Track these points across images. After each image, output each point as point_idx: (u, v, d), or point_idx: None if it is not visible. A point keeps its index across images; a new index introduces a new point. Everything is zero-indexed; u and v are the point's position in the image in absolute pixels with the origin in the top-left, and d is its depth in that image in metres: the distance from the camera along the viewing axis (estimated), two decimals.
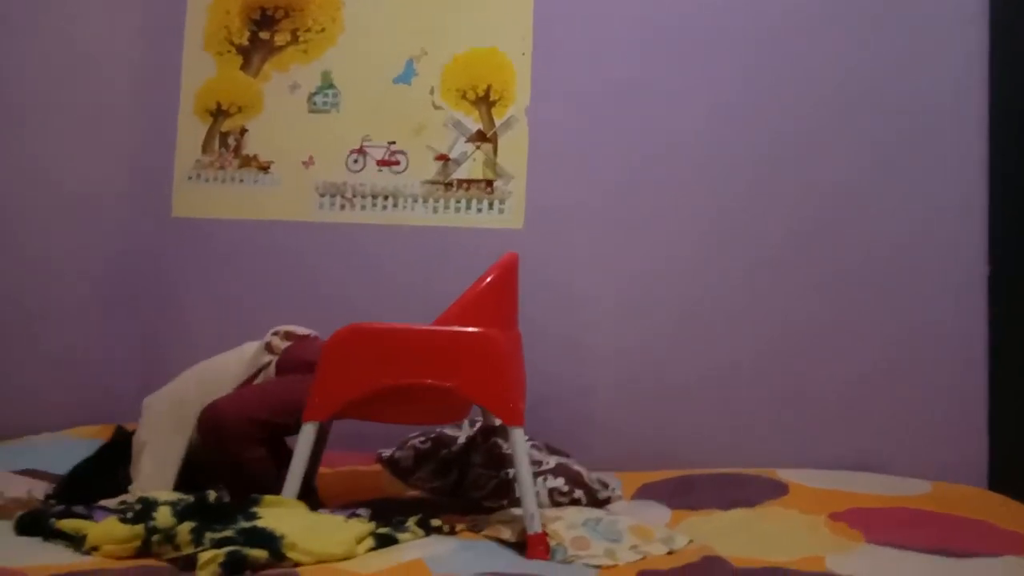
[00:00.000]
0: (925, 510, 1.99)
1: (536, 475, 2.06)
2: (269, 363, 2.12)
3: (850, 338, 2.62)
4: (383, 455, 2.41)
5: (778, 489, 2.16)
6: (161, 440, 1.98)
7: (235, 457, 1.93)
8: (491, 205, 2.84)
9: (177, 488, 1.94)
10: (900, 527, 1.83)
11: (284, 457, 1.94)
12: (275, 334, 2.16)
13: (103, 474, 1.98)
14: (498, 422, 2.19)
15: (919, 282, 2.60)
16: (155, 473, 1.95)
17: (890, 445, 2.54)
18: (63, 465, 2.04)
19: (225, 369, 2.10)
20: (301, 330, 2.20)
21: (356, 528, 1.72)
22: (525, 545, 1.73)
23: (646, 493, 2.24)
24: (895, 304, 2.61)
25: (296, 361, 2.08)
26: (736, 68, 2.74)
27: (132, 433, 2.05)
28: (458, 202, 2.86)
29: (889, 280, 2.62)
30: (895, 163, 2.64)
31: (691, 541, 1.80)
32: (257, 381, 2.10)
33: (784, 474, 2.30)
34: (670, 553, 1.74)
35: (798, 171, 2.69)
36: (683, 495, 2.17)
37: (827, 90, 2.69)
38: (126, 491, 1.92)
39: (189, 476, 1.99)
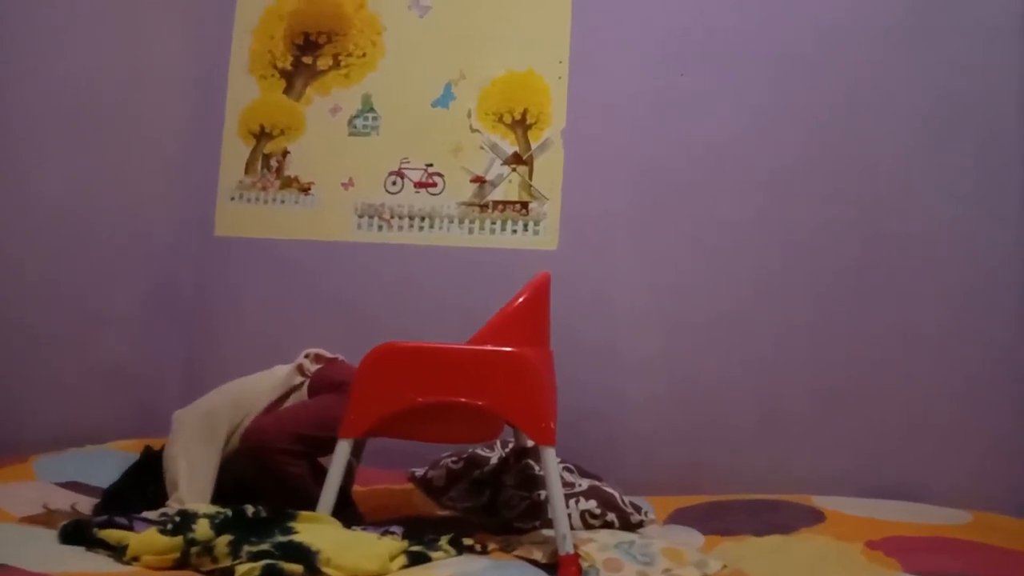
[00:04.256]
0: (965, 540, 1.94)
1: (568, 497, 2.06)
2: (300, 384, 2.18)
3: (892, 366, 2.58)
4: (415, 474, 2.42)
5: (814, 516, 2.13)
6: (195, 452, 2.03)
7: (279, 472, 1.98)
8: (526, 226, 2.87)
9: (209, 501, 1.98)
10: (939, 556, 1.79)
11: (321, 476, 1.97)
12: (306, 356, 2.23)
13: (135, 492, 2.01)
14: (530, 442, 2.20)
15: (963, 313, 2.55)
16: (193, 484, 1.98)
17: (930, 474, 2.49)
18: (106, 478, 2.09)
19: (256, 388, 2.17)
20: (328, 353, 2.27)
21: (389, 545, 1.73)
22: (557, 566, 1.73)
23: (679, 518, 2.22)
24: (939, 335, 2.56)
25: (327, 382, 2.15)
26: (768, 80, 2.74)
27: (159, 451, 2.09)
28: (493, 223, 2.89)
29: (932, 312, 2.57)
30: (945, 175, 2.60)
31: (725, 566, 1.79)
32: (288, 402, 2.16)
33: (820, 501, 2.27)
34: None
35: (839, 180, 2.67)
36: (716, 520, 2.15)
37: (867, 97, 2.67)
38: (156, 507, 1.96)
39: (220, 490, 2.03)
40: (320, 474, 1.98)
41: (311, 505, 1.86)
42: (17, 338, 2.37)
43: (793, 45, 2.74)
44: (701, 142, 2.77)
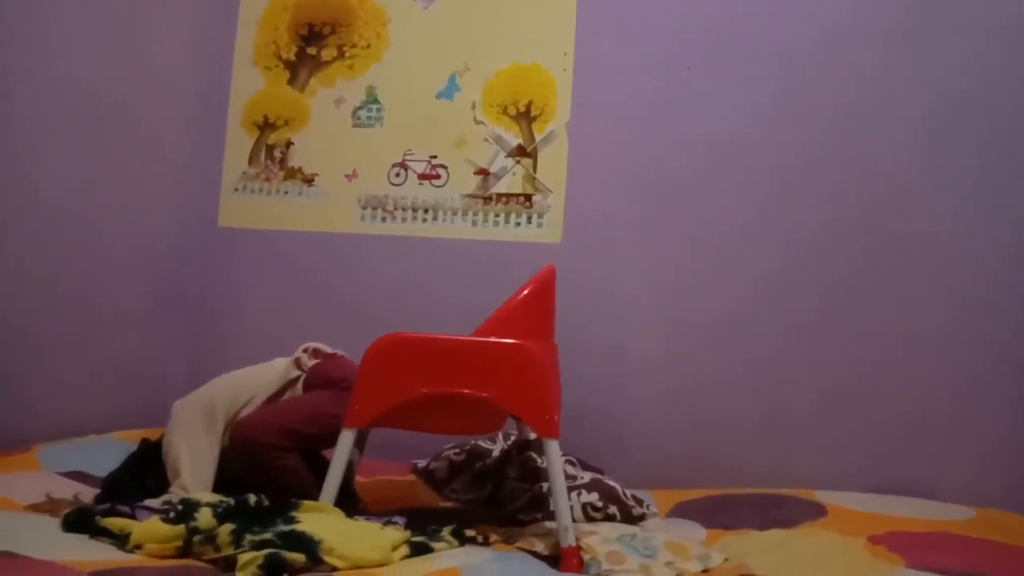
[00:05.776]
0: (967, 536, 1.95)
1: (570, 490, 2.05)
2: (297, 378, 2.18)
3: (892, 366, 2.58)
4: (418, 465, 2.42)
5: (816, 511, 2.14)
6: (196, 441, 2.03)
7: (269, 466, 1.99)
8: (530, 219, 2.87)
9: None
10: (941, 552, 1.79)
11: (320, 468, 1.98)
12: (304, 351, 2.23)
13: (133, 483, 2.02)
14: (533, 435, 2.20)
15: (963, 314, 2.55)
16: (196, 471, 1.99)
17: (931, 474, 2.48)
18: (109, 468, 2.09)
19: (254, 379, 2.18)
20: (328, 348, 2.26)
21: (392, 535, 1.74)
22: (559, 558, 1.73)
23: (681, 511, 2.23)
24: (939, 335, 2.56)
25: (323, 378, 2.16)
26: (769, 80, 2.74)
27: (157, 443, 2.10)
28: (497, 216, 2.89)
29: (932, 312, 2.57)
30: (953, 178, 2.60)
31: (727, 559, 1.79)
32: (285, 396, 2.17)
33: (823, 496, 2.28)
34: (705, 571, 1.73)
35: (840, 180, 2.67)
36: (719, 514, 2.15)
37: (871, 97, 2.68)
38: (156, 497, 1.96)
39: (216, 484, 2.03)
40: (322, 466, 1.99)
41: (307, 498, 1.86)
42: (20, 337, 2.36)
43: (794, 45, 2.74)
44: (702, 141, 2.77)
